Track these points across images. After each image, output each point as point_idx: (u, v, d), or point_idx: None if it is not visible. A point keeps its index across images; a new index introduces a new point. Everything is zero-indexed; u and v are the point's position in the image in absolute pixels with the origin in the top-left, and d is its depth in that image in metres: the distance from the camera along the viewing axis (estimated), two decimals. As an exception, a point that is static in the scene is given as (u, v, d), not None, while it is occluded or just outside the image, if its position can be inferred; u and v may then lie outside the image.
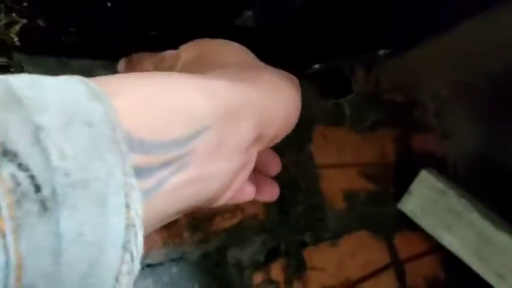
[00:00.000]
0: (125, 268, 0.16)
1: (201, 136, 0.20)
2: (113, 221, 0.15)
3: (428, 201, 0.75)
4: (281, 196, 0.60)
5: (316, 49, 0.65)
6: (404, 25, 0.65)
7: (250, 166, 0.25)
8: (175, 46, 0.31)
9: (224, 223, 0.53)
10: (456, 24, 0.68)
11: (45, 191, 0.13)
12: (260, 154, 0.28)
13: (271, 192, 0.33)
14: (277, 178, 0.60)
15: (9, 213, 0.12)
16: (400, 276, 0.74)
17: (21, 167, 0.13)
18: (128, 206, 0.16)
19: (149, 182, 0.18)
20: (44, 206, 0.13)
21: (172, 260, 0.47)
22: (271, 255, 0.57)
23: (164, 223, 0.21)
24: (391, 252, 0.74)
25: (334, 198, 0.68)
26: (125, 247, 0.15)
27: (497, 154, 0.95)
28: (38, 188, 0.13)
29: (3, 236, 0.12)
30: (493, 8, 0.67)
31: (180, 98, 0.19)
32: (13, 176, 0.13)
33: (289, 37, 0.62)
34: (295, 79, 0.29)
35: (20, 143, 0.13)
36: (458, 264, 0.74)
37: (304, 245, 0.61)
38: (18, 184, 0.13)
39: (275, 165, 0.34)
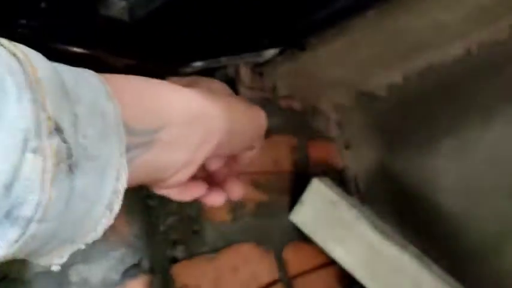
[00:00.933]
0: (104, 220, 0.22)
1: (165, 130, 0.26)
2: (106, 187, 0.21)
3: (320, 211, 0.71)
4: (148, 206, 0.54)
5: (196, 45, 0.60)
6: (290, 23, 0.61)
7: (194, 165, 0.30)
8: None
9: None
10: (347, 25, 0.66)
11: (73, 159, 0.19)
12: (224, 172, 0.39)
13: (215, 199, 0.37)
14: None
15: (52, 168, 0.18)
16: (290, 293, 0.69)
17: (64, 140, 0.19)
18: (117, 179, 0.22)
19: (129, 155, 0.24)
20: (70, 169, 0.19)
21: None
22: (131, 273, 0.50)
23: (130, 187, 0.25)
24: (280, 266, 0.69)
25: (216, 210, 0.62)
26: (108, 206, 0.22)
27: (398, 166, 0.94)
28: (69, 156, 0.19)
29: (43, 184, 0.18)
30: (386, 11, 0.65)
31: (161, 102, 0.27)
32: (58, 146, 0.18)
33: (166, 31, 0.57)
34: (262, 113, 0.36)
35: (66, 123, 0.19)
36: (353, 279, 0.71)
37: (175, 260, 0.55)
38: (60, 151, 0.18)
39: (236, 188, 0.38)
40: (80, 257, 0.46)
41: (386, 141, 0.96)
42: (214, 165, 0.39)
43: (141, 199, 0.53)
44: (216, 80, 0.38)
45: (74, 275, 0.45)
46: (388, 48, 0.78)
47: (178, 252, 0.56)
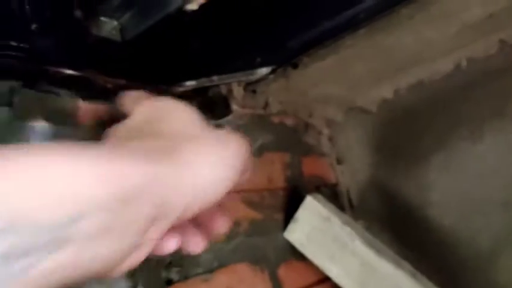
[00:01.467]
0: None
1: (81, 222, 0.19)
2: None
3: (314, 229, 0.71)
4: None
5: (188, 64, 0.60)
6: (281, 42, 0.61)
7: (151, 244, 0.24)
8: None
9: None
10: (337, 43, 0.66)
11: None
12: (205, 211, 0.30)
13: (197, 244, 0.33)
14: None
15: None
16: (285, 312, 0.69)
17: None
18: None
19: (18, 265, 0.18)
20: None
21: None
22: (125, 298, 0.49)
23: None
24: (275, 285, 0.69)
25: (210, 229, 0.62)
26: None
27: (389, 181, 0.94)
28: None
29: None
30: (376, 29, 0.66)
31: (67, 183, 0.19)
32: None
33: (157, 50, 0.57)
34: (241, 141, 0.30)
35: None
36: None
37: (169, 283, 0.54)
38: None
39: (220, 224, 0.34)
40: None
41: (377, 156, 0.96)
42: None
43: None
44: (182, 107, 0.31)
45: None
46: (379, 64, 0.79)
47: (173, 274, 0.55)
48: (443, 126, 0.88)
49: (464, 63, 0.83)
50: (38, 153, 0.19)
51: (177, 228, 0.28)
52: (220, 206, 0.33)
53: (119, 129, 0.31)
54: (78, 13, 0.49)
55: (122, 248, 0.22)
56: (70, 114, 0.51)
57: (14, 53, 0.48)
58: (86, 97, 0.53)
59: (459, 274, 0.82)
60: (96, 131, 0.52)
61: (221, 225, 0.34)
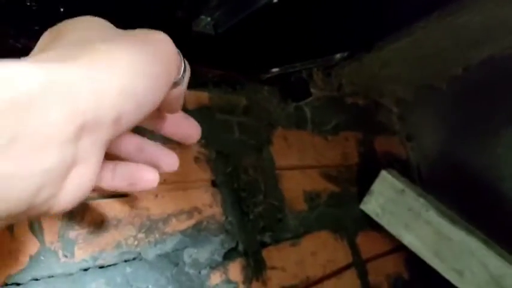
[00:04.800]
0: None
1: None
2: None
3: (389, 200, 0.77)
4: (240, 197, 0.61)
5: (273, 54, 0.67)
6: (358, 29, 0.67)
7: (91, 160, 0.22)
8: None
9: (180, 224, 0.53)
10: (411, 26, 0.71)
11: None
12: (171, 123, 0.31)
13: (170, 164, 0.33)
14: (237, 179, 0.62)
15: None
16: (363, 275, 0.76)
17: None
18: None
19: None
20: None
21: (126, 261, 0.48)
22: (230, 256, 0.57)
23: None
24: (354, 251, 0.76)
25: (295, 200, 0.69)
26: None
27: (459, 156, 0.98)
28: None
29: None
30: (449, 11, 0.69)
31: None
32: None
33: (247, 42, 0.64)
34: (159, 36, 0.26)
35: None
36: (421, 262, 0.76)
37: (263, 245, 0.63)
38: None
39: (192, 132, 0.34)
40: (190, 241, 0.54)
41: (447, 132, 1.00)
42: (127, 147, 0.32)
43: (233, 191, 0.61)
44: (87, 17, 0.27)
45: (187, 257, 0.53)
46: (449, 43, 0.82)
47: (266, 237, 0.63)
48: (513, 102, 0.90)
49: (536, 39, 0.85)
50: None
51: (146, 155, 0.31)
52: (181, 118, 0.33)
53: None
54: (180, 12, 0.57)
55: (47, 161, 0.19)
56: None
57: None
58: (189, 86, 0.61)
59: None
60: (200, 115, 0.61)
61: (194, 135, 0.34)
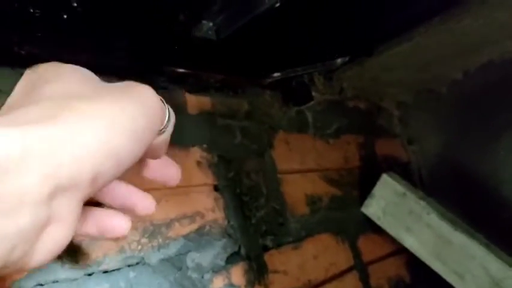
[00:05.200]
0: None
1: None
2: None
3: (390, 203, 0.77)
4: (242, 201, 0.62)
5: (275, 59, 0.67)
6: (359, 33, 0.67)
7: (66, 218, 0.22)
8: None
9: (183, 229, 0.54)
10: (412, 31, 0.71)
11: None
12: (153, 168, 0.31)
13: (146, 207, 0.32)
14: (239, 183, 0.62)
15: None
16: (364, 278, 0.76)
17: None
18: None
19: None
20: None
21: (129, 266, 0.48)
22: (232, 260, 0.58)
23: None
24: (355, 254, 0.76)
25: (297, 203, 0.70)
26: None
27: (460, 159, 0.98)
28: None
29: None
30: (449, 16, 0.70)
31: None
32: None
33: (248, 47, 0.64)
34: (143, 90, 0.26)
35: None
36: (422, 265, 0.76)
37: (266, 249, 0.63)
38: None
39: (173, 176, 0.33)
40: (193, 245, 0.54)
41: (447, 136, 1.00)
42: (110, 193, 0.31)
43: (235, 195, 0.61)
44: (69, 68, 0.27)
45: (190, 261, 0.53)
46: (449, 48, 0.82)
47: (268, 241, 0.63)
48: (512, 106, 0.90)
49: (535, 43, 0.85)
50: None
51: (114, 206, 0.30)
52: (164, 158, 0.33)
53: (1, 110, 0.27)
54: (181, 17, 0.57)
55: (21, 222, 0.19)
56: (180, 105, 0.60)
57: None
58: (193, 91, 0.62)
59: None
60: (202, 120, 0.61)
61: (173, 177, 0.33)
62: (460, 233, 0.72)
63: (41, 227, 0.21)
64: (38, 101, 0.23)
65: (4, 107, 0.26)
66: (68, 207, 0.22)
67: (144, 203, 0.32)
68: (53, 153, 0.20)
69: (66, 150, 0.20)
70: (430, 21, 0.68)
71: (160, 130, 0.28)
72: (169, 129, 0.29)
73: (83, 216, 0.28)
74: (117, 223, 0.30)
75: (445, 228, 0.73)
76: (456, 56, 0.89)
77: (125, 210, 0.31)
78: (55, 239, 0.22)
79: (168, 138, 0.30)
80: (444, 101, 0.99)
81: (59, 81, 0.25)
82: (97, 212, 0.30)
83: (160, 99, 0.27)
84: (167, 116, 0.28)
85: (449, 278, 0.73)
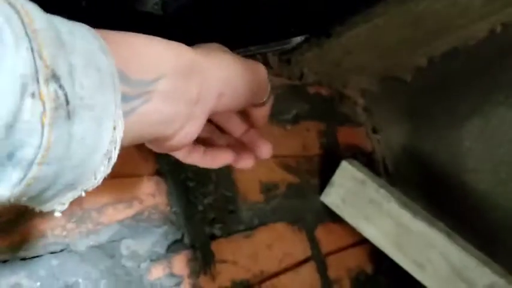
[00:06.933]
0: (103, 168, 0.24)
1: (161, 81, 0.28)
2: (103, 136, 0.23)
3: (350, 192, 0.74)
4: (187, 187, 0.58)
5: (225, 36, 0.63)
6: (315, 11, 0.64)
7: (199, 119, 0.32)
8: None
9: (117, 214, 0.50)
10: (369, 12, 0.68)
11: (70, 106, 0.20)
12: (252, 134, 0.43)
13: (245, 162, 0.41)
14: (183, 168, 0.58)
15: (50, 113, 0.19)
16: (322, 270, 0.73)
17: (61, 87, 0.19)
18: (114, 128, 0.23)
19: (127, 106, 0.26)
20: (68, 114, 0.20)
21: (52, 253, 0.44)
22: (174, 248, 0.54)
23: (134, 143, 0.29)
24: (313, 244, 0.73)
25: (250, 190, 0.66)
26: (106, 155, 0.24)
27: (424, 148, 0.96)
28: (67, 103, 0.20)
29: (43, 127, 0.19)
30: (408, 1, 0.67)
31: (153, 54, 0.28)
32: (56, 92, 0.19)
33: (196, 24, 0.61)
34: (261, 66, 0.39)
35: (62, 71, 0.20)
36: (385, 256, 0.73)
37: (213, 237, 0.59)
38: (58, 97, 0.19)
39: (264, 149, 0.42)
40: (128, 232, 0.50)
41: (413, 124, 0.98)
42: (237, 130, 0.43)
43: (180, 181, 0.57)
44: (211, 44, 0.38)
45: (124, 249, 0.49)
46: (411, 32, 0.80)
47: (216, 230, 0.60)
48: (478, 93, 0.88)
49: (498, 28, 0.84)
50: (139, 36, 0.28)
51: (227, 147, 0.41)
52: (260, 133, 0.43)
53: None
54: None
55: (182, 111, 0.30)
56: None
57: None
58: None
59: (495, 237, 0.83)
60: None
61: (265, 149, 0.42)
62: (420, 221, 0.69)
63: (188, 118, 0.31)
64: (201, 48, 0.34)
65: None
66: (201, 112, 0.32)
67: (265, 148, 0.42)
68: (204, 71, 0.31)
69: (209, 73, 0.31)
70: (387, 1, 0.65)
71: (263, 101, 0.40)
72: (270, 102, 0.41)
73: (202, 151, 0.41)
74: (246, 157, 0.42)
75: (405, 216, 0.70)
76: (420, 42, 0.87)
77: (243, 147, 0.43)
78: (191, 130, 0.32)
79: (268, 111, 0.42)
80: (409, 89, 0.97)
81: (212, 46, 0.38)
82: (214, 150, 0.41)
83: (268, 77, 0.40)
84: (268, 94, 0.40)
85: (410, 268, 0.70)
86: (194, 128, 0.32)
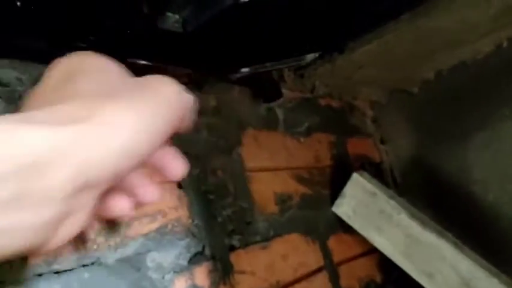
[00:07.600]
0: None
1: None
2: None
3: (361, 203, 0.76)
4: (208, 200, 0.60)
5: (243, 53, 0.65)
6: (329, 29, 0.66)
7: (85, 209, 0.24)
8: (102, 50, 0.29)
9: (143, 228, 0.52)
10: (381, 29, 0.70)
11: None
12: (156, 157, 0.29)
13: (150, 195, 0.31)
14: (204, 181, 0.60)
15: None
16: (334, 279, 0.75)
17: None
18: None
19: None
20: None
21: (84, 266, 0.46)
22: (196, 260, 0.56)
23: None
24: (325, 254, 0.75)
25: (266, 202, 0.68)
26: None
27: (432, 159, 0.98)
28: None
29: None
30: (418, 14, 0.69)
31: None
32: None
33: (216, 41, 0.63)
34: (172, 93, 0.27)
35: None
36: (394, 265, 0.75)
37: (232, 248, 0.61)
38: None
39: (175, 168, 0.31)
40: (153, 245, 0.52)
41: (420, 136, 1.00)
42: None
43: (200, 193, 0.59)
44: (101, 61, 0.29)
45: (150, 261, 0.51)
46: (421, 47, 0.82)
47: (235, 241, 0.62)
48: (484, 106, 0.90)
49: (505, 43, 0.86)
50: None
51: (120, 189, 0.29)
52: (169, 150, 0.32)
53: (32, 97, 0.28)
54: (145, 9, 0.55)
55: (46, 215, 0.21)
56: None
57: (92, 46, 0.54)
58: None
59: (502, 246, 0.85)
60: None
61: (176, 170, 0.31)
62: (430, 232, 0.71)
63: (64, 218, 0.22)
64: (73, 98, 0.25)
65: (35, 93, 0.28)
66: (88, 200, 0.24)
67: (150, 192, 0.31)
68: (81, 154, 0.22)
69: (93, 152, 0.22)
70: (399, 18, 0.67)
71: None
72: (190, 118, 0.30)
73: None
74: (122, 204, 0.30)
75: (415, 227, 0.72)
76: (428, 56, 0.89)
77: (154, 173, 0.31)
78: (73, 226, 0.24)
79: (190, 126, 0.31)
80: (417, 101, 0.99)
81: (94, 74, 0.27)
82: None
83: (184, 90, 0.28)
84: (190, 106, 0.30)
85: (419, 278, 0.72)
86: (79, 221, 0.24)
